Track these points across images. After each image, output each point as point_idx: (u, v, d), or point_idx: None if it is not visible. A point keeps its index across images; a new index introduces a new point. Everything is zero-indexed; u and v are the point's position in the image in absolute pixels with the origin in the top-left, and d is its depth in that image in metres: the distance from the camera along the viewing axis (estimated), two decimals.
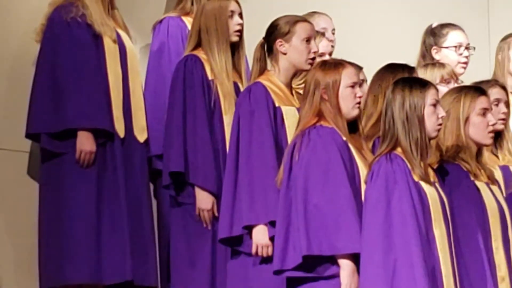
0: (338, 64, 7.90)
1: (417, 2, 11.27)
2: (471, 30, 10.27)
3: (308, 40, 8.41)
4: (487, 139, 8.01)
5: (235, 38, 8.87)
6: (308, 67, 8.21)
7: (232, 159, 8.20)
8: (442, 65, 9.34)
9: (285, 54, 8.34)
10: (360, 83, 8.13)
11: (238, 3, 9.04)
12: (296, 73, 8.47)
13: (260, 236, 7.92)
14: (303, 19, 8.68)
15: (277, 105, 8.22)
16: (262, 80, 8.31)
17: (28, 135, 8.59)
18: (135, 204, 8.76)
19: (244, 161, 8.16)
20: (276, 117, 8.21)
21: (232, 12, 8.85)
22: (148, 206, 8.99)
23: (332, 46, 9.59)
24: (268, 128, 8.15)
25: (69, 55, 8.54)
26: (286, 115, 8.18)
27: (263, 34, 8.62)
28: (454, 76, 9.27)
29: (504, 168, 8.69)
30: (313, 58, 8.39)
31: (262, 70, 8.46)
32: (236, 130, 8.26)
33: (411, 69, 8.60)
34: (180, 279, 8.84)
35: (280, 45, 8.37)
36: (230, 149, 8.31)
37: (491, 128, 8.02)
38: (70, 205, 8.51)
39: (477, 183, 7.87)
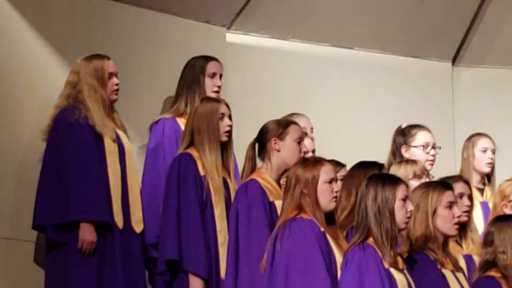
0: (317, 162, 8.03)
1: (388, 104, 11.26)
2: (437, 130, 10.38)
3: (299, 141, 8.67)
4: (453, 230, 8.09)
5: (224, 138, 8.91)
6: None
7: (232, 249, 8.35)
8: (414, 162, 9.43)
9: (279, 151, 8.55)
10: (337, 179, 8.15)
11: (227, 106, 9.09)
12: (287, 170, 8.42)
13: None
14: (295, 122, 8.94)
15: (271, 200, 8.38)
16: (256, 177, 8.50)
17: (34, 227, 8.64)
18: (134, 284, 8.88)
19: (245, 251, 8.31)
20: (271, 211, 8.37)
21: (222, 114, 8.92)
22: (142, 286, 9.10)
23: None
24: (265, 220, 8.31)
25: (72, 154, 8.64)
26: (279, 208, 8.18)
27: (251, 134, 8.81)
28: (425, 171, 9.34)
29: (467, 257, 8.76)
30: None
31: (253, 167, 8.65)
32: (235, 222, 8.39)
33: (380, 166, 8.73)
34: None
35: (274, 143, 8.55)
36: (230, 240, 8.45)
37: (456, 220, 8.10)
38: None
39: (444, 271, 7.93)
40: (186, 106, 9.38)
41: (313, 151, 9.42)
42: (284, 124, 8.82)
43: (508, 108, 11.91)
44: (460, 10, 11.92)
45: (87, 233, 8.51)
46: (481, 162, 10.38)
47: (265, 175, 8.59)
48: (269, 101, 10.08)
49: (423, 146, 9.90)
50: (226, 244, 8.66)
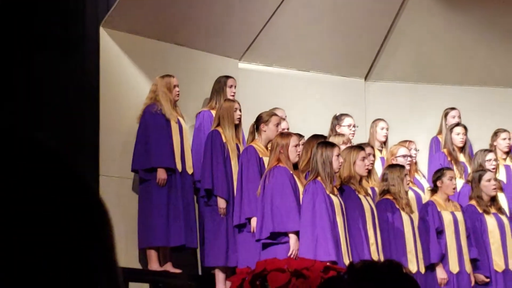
0: (289, 134, 8.57)
1: (326, 106, 10.53)
2: (356, 116, 10.23)
3: (277, 125, 8.91)
4: (365, 173, 8.69)
5: (236, 122, 9.03)
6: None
7: (239, 183, 8.69)
8: (343, 135, 9.59)
9: (265, 131, 8.83)
10: (299, 144, 8.50)
11: (239, 104, 9.07)
12: (270, 140, 8.70)
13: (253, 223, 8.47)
14: (275, 113, 9.15)
15: (260, 156, 8.75)
16: (253, 144, 8.88)
17: (132, 170, 8.90)
18: (186, 206, 8.93)
19: (246, 185, 8.63)
20: (260, 163, 8.68)
21: (236, 109, 9.00)
22: (193, 207, 9.10)
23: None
24: (256, 169, 8.66)
25: (153, 130, 8.84)
26: (266, 161, 8.59)
27: (251, 120, 9.14)
28: (349, 140, 9.46)
29: (372, 188, 9.11)
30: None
31: (253, 138, 9.01)
32: (240, 168, 8.74)
33: (324, 137, 9.05)
34: (209, 244, 8.92)
35: (263, 126, 8.86)
36: (238, 178, 8.79)
37: (366, 167, 8.71)
38: (153, 206, 8.77)
39: (359, 195, 8.51)
40: (216, 103, 9.31)
41: (288, 129, 9.29)
42: (269, 115, 9.02)
43: (404, 112, 11.27)
44: (371, 38, 11.16)
45: (161, 174, 8.71)
46: (380, 135, 10.29)
47: (258, 143, 8.90)
48: (264, 105, 9.60)
49: (348, 126, 9.90)
50: (237, 180, 8.85)
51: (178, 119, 9.04)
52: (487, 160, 9.90)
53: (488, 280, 9.29)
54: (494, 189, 9.49)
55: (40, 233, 0.86)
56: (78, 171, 0.90)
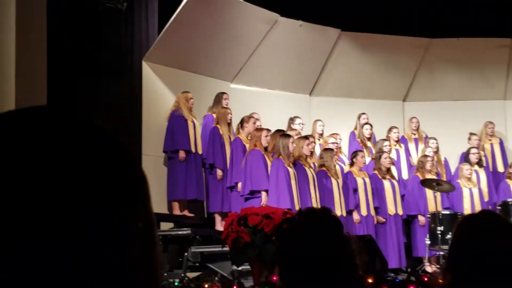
0: (261, 129, 8.36)
1: (284, 111, 10.13)
2: (303, 117, 9.91)
3: (254, 123, 8.76)
4: (309, 153, 8.49)
5: (229, 122, 8.82)
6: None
7: (230, 160, 8.52)
8: (295, 129, 9.40)
9: (246, 127, 8.72)
10: (267, 135, 8.26)
11: (230, 110, 8.85)
12: (249, 133, 8.52)
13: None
14: (253, 116, 8.95)
15: (244, 144, 8.58)
16: (240, 136, 8.70)
17: (164, 151, 8.68)
18: (197, 174, 8.69)
19: (234, 162, 8.48)
20: (244, 149, 8.48)
21: (229, 113, 8.82)
22: (201, 175, 8.79)
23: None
24: (242, 153, 8.45)
25: (176, 125, 8.61)
26: (247, 147, 8.40)
27: (238, 120, 8.91)
28: (299, 133, 9.25)
29: (314, 164, 8.78)
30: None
31: (239, 132, 8.80)
32: (232, 151, 8.59)
33: (283, 131, 8.71)
34: (211, 198, 8.72)
35: (245, 124, 8.73)
36: (230, 157, 8.60)
37: (310, 150, 8.54)
38: (176, 174, 8.56)
39: (306, 168, 8.28)
40: (215, 109, 9.06)
41: (260, 126, 8.89)
42: (249, 117, 8.87)
43: (333, 115, 10.73)
44: (314, 66, 10.82)
45: (182, 154, 8.55)
46: (318, 130, 10.02)
47: (243, 135, 8.69)
48: (247, 111, 9.25)
49: (298, 124, 9.67)
50: (229, 159, 8.63)
51: (192, 119, 8.84)
52: (384, 146, 9.80)
53: (384, 220, 9.23)
54: (389, 163, 9.46)
55: (102, 189, 0.73)
56: (126, 148, 0.77)
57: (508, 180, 9.78)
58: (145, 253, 0.78)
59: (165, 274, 7.06)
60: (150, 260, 0.79)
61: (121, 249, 0.75)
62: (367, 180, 9.19)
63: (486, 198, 9.73)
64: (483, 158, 10.27)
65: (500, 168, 10.50)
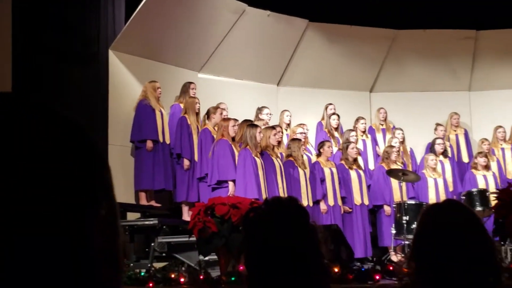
0: (228, 119, 8.39)
1: (252, 102, 10.13)
2: (271, 107, 9.83)
3: (221, 113, 8.73)
4: (276, 144, 8.48)
5: (197, 111, 8.74)
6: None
7: (199, 149, 8.48)
8: (262, 119, 9.39)
9: (213, 118, 8.66)
10: (235, 125, 8.27)
11: (198, 99, 8.78)
12: (216, 124, 8.50)
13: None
14: (220, 107, 8.96)
15: (212, 134, 8.52)
16: (207, 126, 8.65)
17: (131, 141, 8.63)
18: (165, 164, 8.59)
19: (204, 151, 8.41)
20: (212, 138, 8.44)
21: (196, 103, 8.72)
22: (169, 164, 8.67)
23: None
24: (211, 142, 8.40)
25: (142, 115, 8.53)
26: (215, 136, 8.36)
27: (205, 110, 8.84)
28: (266, 123, 9.25)
29: (281, 154, 8.81)
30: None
31: (205, 122, 8.79)
32: (200, 141, 8.56)
33: (251, 121, 8.78)
34: (178, 188, 8.66)
35: (212, 115, 8.68)
36: (197, 147, 8.57)
37: (277, 140, 8.55)
38: (143, 164, 8.47)
39: (273, 157, 8.29)
40: (183, 99, 8.98)
41: (227, 115, 8.94)
42: (216, 107, 8.86)
43: (301, 105, 10.75)
44: (282, 57, 10.82)
45: (149, 143, 8.50)
46: (286, 120, 10.02)
47: (209, 126, 8.65)
48: (214, 101, 9.29)
49: (266, 114, 9.62)
50: (197, 148, 8.60)
51: (160, 109, 8.75)
52: (351, 136, 9.87)
53: (351, 210, 9.27)
54: (355, 153, 9.48)
55: (63, 174, 0.72)
56: (88, 135, 0.77)
57: (473, 170, 9.92)
58: (108, 242, 0.77)
59: (132, 264, 7.06)
60: (113, 249, 0.78)
61: (83, 238, 0.74)
62: (334, 170, 9.20)
63: (451, 188, 9.90)
64: (448, 149, 10.37)
65: (465, 158, 10.63)
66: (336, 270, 4.64)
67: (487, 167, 9.86)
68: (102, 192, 0.77)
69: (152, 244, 7.26)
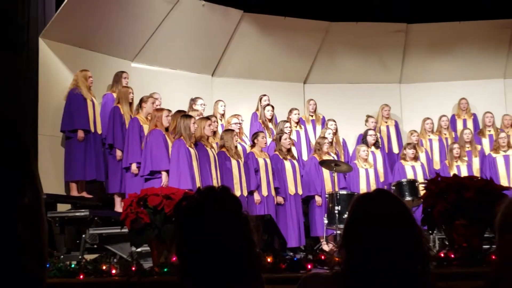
0: (161, 109, 8.12)
1: (186, 92, 10.02)
2: (205, 98, 9.77)
3: (153, 103, 8.52)
4: (210, 134, 8.28)
5: (130, 101, 8.62)
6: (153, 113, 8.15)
7: (145, 140, 8.12)
8: (197, 110, 9.28)
9: (145, 107, 8.46)
10: (168, 115, 8.09)
11: (132, 89, 8.63)
12: (149, 113, 8.31)
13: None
14: (152, 96, 8.74)
15: (141, 124, 8.33)
16: (138, 116, 8.47)
17: (61, 130, 8.46)
18: (96, 154, 8.47)
19: (147, 143, 8.11)
20: (140, 128, 8.25)
21: (130, 92, 8.60)
22: (101, 155, 8.56)
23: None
24: (138, 131, 8.21)
25: (73, 105, 8.39)
26: (144, 128, 8.23)
27: (138, 100, 8.67)
28: (201, 114, 9.16)
29: (217, 143, 8.73)
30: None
31: (137, 112, 8.58)
32: (128, 131, 8.29)
33: (185, 112, 8.56)
34: (110, 179, 8.51)
35: (143, 105, 8.50)
36: (126, 139, 8.32)
37: (211, 130, 8.37)
38: (74, 154, 8.36)
39: (207, 148, 8.05)
40: (116, 89, 8.90)
41: (160, 105, 8.81)
42: (148, 97, 8.67)
43: (236, 96, 10.75)
44: (216, 48, 10.72)
45: (80, 133, 8.38)
46: (220, 110, 9.86)
47: (141, 116, 8.44)
48: (147, 91, 9.19)
49: (200, 104, 9.47)
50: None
51: (92, 98, 8.63)
52: (285, 127, 9.89)
53: (283, 202, 9.26)
54: (289, 144, 9.51)
55: None
56: (10, 122, 0.77)
57: (402, 161, 10.09)
58: (31, 229, 0.78)
59: (62, 256, 6.97)
60: (37, 239, 0.79)
61: (5, 225, 0.75)
62: (268, 160, 9.21)
63: (381, 179, 10.06)
64: (379, 140, 10.50)
65: (395, 149, 10.80)
66: (269, 260, 4.63)
67: (415, 158, 9.97)
68: (25, 181, 0.78)
69: (83, 235, 7.18)
